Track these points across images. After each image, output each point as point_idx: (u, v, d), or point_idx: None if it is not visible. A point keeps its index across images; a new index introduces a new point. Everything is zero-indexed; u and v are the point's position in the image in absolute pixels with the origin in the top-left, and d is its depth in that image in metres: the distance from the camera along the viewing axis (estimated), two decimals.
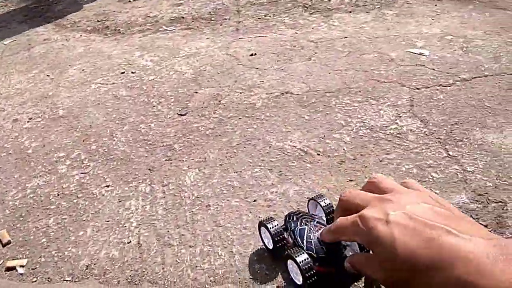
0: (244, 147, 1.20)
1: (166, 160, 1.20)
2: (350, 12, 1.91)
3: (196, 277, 0.86)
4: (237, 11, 2.08)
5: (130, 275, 0.89)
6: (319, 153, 1.13)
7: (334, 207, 0.72)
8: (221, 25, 1.98)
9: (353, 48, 1.60)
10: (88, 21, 2.18)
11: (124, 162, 1.22)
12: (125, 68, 1.69)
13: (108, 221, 1.03)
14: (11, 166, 1.27)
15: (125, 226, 1.01)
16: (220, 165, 1.15)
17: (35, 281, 0.92)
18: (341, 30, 1.75)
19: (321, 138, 1.18)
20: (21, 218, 1.08)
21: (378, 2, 1.96)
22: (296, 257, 0.69)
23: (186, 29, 1.98)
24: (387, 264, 0.43)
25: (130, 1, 2.33)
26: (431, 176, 1.00)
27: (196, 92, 1.49)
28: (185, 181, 1.12)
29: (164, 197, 1.08)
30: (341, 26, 1.79)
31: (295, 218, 0.79)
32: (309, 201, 0.87)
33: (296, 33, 1.78)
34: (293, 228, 0.77)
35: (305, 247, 0.71)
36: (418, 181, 0.99)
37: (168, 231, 0.98)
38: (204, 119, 1.35)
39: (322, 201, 0.81)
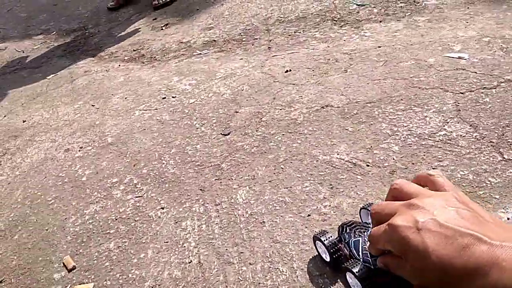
0: (291, 162, 1.21)
1: (215, 179, 1.23)
2: (381, 21, 1.91)
3: None
4: (267, 30, 2.13)
5: None
6: (368, 164, 1.13)
7: None
8: (252, 45, 2.02)
9: (388, 57, 1.60)
10: (125, 51, 2.27)
11: (175, 184, 1.25)
12: (165, 94, 1.74)
13: (167, 242, 1.06)
14: (67, 194, 1.32)
15: (184, 246, 1.04)
16: (269, 181, 1.17)
17: None
18: (374, 40, 1.75)
19: (368, 149, 1.18)
20: (82, 244, 1.13)
21: (408, 10, 1.96)
22: (353, 268, 0.70)
23: (219, 52, 2.04)
24: (419, 270, 0.44)
25: (162, 29, 2.42)
26: (488, 181, 0.98)
27: (237, 112, 1.52)
28: (237, 199, 1.14)
29: (218, 216, 1.10)
30: (374, 36, 1.79)
31: (348, 230, 0.80)
32: (360, 210, 0.87)
33: (328, 46, 1.80)
34: (347, 240, 0.78)
35: (361, 259, 0.72)
36: (476, 187, 0.97)
37: (227, 249, 1.00)
38: (247, 137, 1.37)
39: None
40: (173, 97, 1.71)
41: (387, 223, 0.50)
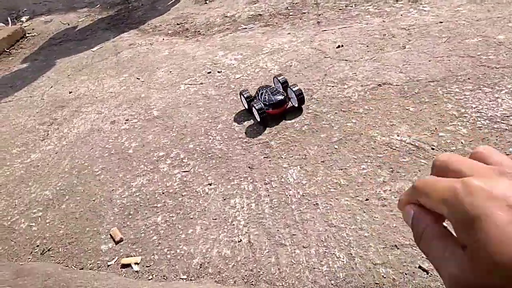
0: (346, 142, 1.14)
1: (264, 157, 1.18)
2: None
3: (315, 279, 0.82)
4: (316, 3, 2.02)
5: (245, 275, 0.87)
6: (433, 147, 1.04)
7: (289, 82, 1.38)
8: (300, 19, 1.93)
9: (452, 33, 1.47)
10: (168, 24, 2.23)
11: (223, 161, 1.21)
12: (210, 68, 1.69)
13: (215, 219, 1.03)
14: (114, 165, 1.31)
15: (233, 225, 1.00)
16: (322, 162, 1.10)
17: (151, 278, 0.93)
18: (435, 15, 1.62)
19: (432, 131, 1.08)
20: (130, 216, 1.11)
21: None
22: (254, 104, 1.26)
23: (265, 26, 1.96)
24: (484, 264, 0.24)
25: (206, 3, 2.36)
26: None
27: None
28: (288, 179, 1.08)
29: (268, 195, 1.05)
30: (434, 10, 1.66)
31: (261, 89, 1.32)
32: (273, 78, 1.38)
33: (383, 21, 1.68)
34: (259, 94, 1.31)
35: (261, 101, 1.27)
36: None
37: (278, 230, 0.95)
38: (297, 115, 1.30)
39: (280, 77, 1.35)
40: (218, 72, 1.65)
41: (461, 180, 0.29)
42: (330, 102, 1.31)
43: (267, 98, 1.27)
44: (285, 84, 1.32)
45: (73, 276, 0.93)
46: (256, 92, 1.33)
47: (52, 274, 0.94)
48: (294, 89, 1.25)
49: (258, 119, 1.27)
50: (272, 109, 1.25)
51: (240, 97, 1.36)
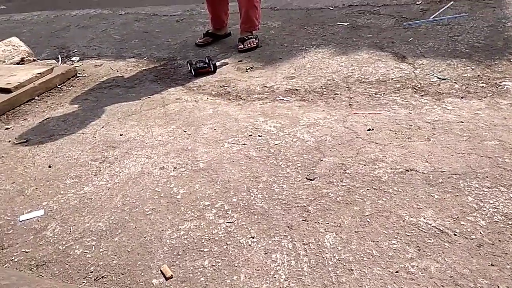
0: (377, 217, 1.29)
1: (302, 220, 1.32)
2: (462, 97, 2.00)
3: None
4: (347, 87, 2.26)
5: None
6: (455, 233, 1.18)
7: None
8: (333, 99, 2.15)
9: (472, 133, 1.67)
10: (212, 86, 2.47)
11: (264, 217, 1.35)
12: (251, 131, 1.88)
13: (258, 270, 1.15)
14: (163, 208, 1.45)
15: (275, 277, 1.12)
16: (355, 232, 1.24)
17: None
18: (456, 115, 1.84)
19: (455, 219, 1.24)
20: (178, 256, 1.23)
21: (489, 91, 2.04)
22: (191, 65, 2.56)
23: (301, 100, 2.18)
24: None
25: (247, 71, 2.62)
26: None
27: (321, 160, 1.62)
28: (324, 242, 1.22)
29: (307, 255, 1.18)
30: (455, 110, 1.88)
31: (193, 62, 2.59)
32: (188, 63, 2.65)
33: (410, 113, 1.90)
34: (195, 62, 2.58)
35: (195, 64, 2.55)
36: None
37: None
38: (332, 186, 1.46)
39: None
40: (259, 135, 1.84)
41: None
42: (363, 179, 1.47)
43: (197, 63, 2.57)
44: (209, 59, 2.59)
45: None
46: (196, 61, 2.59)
47: None
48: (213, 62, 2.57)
49: (193, 73, 2.57)
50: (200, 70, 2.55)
51: (188, 65, 2.61)
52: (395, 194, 1.38)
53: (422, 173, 1.46)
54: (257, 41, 2.91)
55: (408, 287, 1.04)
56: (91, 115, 2.22)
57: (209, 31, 3.11)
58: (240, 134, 1.88)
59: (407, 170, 1.49)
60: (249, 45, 2.88)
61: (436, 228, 1.21)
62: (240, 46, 2.89)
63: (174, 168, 1.67)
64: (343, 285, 1.07)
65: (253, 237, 1.27)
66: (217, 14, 3.00)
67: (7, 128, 2.22)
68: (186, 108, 2.19)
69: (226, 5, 3.00)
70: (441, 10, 3.01)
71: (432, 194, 1.35)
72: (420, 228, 1.22)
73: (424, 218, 1.25)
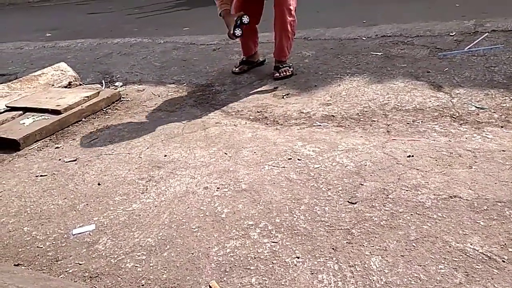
0: (423, 242, 1.29)
1: (347, 242, 1.34)
2: (502, 127, 2.00)
3: None
4: (384, 115, 2.29)
5: None
6: (504, 260, 1.18)
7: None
8: (370, 125, 2.19)
9: None
10: (249, 111, 2.55)
11: (308, 238, 1.38)
12: (291, 155, 1.93)
13: None
14: (209, 226, 1.50)
15: None
16: (401, 256, 1.25)
17: None
18: (498, 143, 1.83)
19: (502, 246, 1.23)
20: (226, 273, 1.27)
21: None
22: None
23: (338, 126, 2.22)
24: None
25: (283, 98, 2.70)
26: None
27: (362, 184, 1.65)
28: (371, 265, 1.23)
29: (353, 277, 1.20)
30: (496, 139, 1.88)
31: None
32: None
33: (449, 140, 1.91)
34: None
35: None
36: None
37: None
38: (375, 210, 1.48)
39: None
40: (298, 159, 1.89)
41: None
42: (406, 204, 1.48)
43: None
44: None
45: None
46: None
47: None
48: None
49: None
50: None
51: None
52: (439, 220, 1.38)
53: (466, 200, 1.46)
54: (291, 69, 3.00)
55: None
56: (136, 137, 2.33)
57: (244, 59, 3.23)
58: (280, 157, 1.93)
59: (450, 196, 1.49)
60: (284, 74, 2.97)
61: (484, 254, 1.21)
62: (276, 75, 2.99)
63: (217, 188, 1.73)
64: None
65: (298, 257, 1.29)
66: (245, 42, 3.13)
67: (57, 147, 2.35)
68: (226, 131, 2.27)
69: (254, 35, 3.12)
70: (476, 41, 3.04)
71: (478, 221, 1.35)
72: (467, 254, 1.22)
73: (471, 244, 1.25)
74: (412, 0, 4.89)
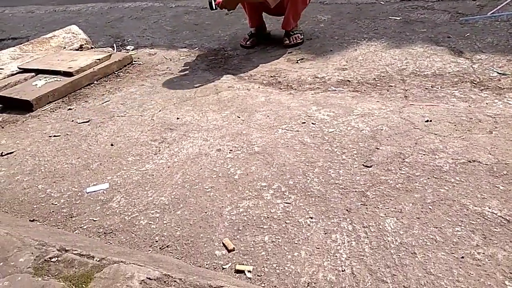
0: (439, 205, 1.27)
1: (361, 204, 1.32)
2: None
3: None
4: (402, 80, 2.23)
5: None
6: None
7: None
8: (387, 90, 2.13)
9: None
10: (262, 75, 2.50)
11: (321, 200, 1.36)
12: (305, 119, 1.90)
13: (318, 248, 1.16)
14: (222, 186, 1.50)
15: (336, 256, 1.13)
16: (417, 218, 1.23)
17: (264, 286, 1.07)
18: None
19: None
20: (239, 231, 1.27)
21: None
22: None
23: (354, 91, 2.17)
24: None
25: (297, 62, 2.63)
26: None
27: (378, 148, 1.61)
28: (385, 226, 1.21)
29: (367, 237, 1.19)
30: None
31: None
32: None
33: (469, 106, 1.85)
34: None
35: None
36: None
37: (379, 268, 1.07)
38: (391, 173, 1.46)
39: None
40: (312, 123, 1.85)
41: None
42: (423, 168, 1.45)
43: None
44: None
45: (198, 270, 1.08)
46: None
47: (181, 265, 1.10)
48: None
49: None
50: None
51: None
52: (457, 183, 1.35)
53: (486, 164, 1.43)
54: (302, 36, 2.90)
55: (475, 272, 1.02)
56: (148, 99, 2.31)
57: (252, 32, 3.09)
58: (294, 121, 1.90)
59: (469, 161, 1.46)
60: (294, 41, 2.89)
61: (502, 217, 1.18)
62: (286, 42, 2.90)
63: (230, 150, 1.71)
64: (406, 267, 1.06)
65: (311, 218, 1.29)
66: (254, 14, 2.96)
67: (69, 109, 2.35)
68: (239, 95, 2.24)
69: (261, 5, 2.96)
70: (499, 6, 2.90)
71: (497, 185, 1.32)
72: (485, 217, 1.19)
73: (489, 208, 1.23)
74: None
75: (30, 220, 1.46)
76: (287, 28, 2.88)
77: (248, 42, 3.02)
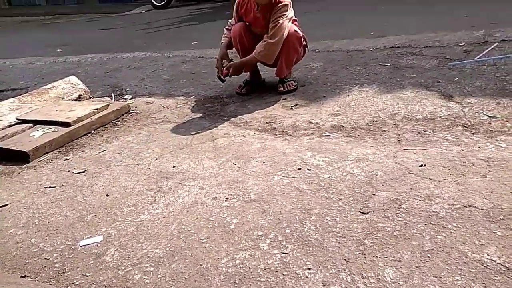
0: (438, 253, 1.25)
1: (359, 253, 1.30)
2: None
3: None
4: (395, 124, 2.26)
5: None
6: None
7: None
8: (381, 135, 2.16)
9: None
10: (258, 122, 2.54)
11: (319, 249, 1.34)
12: (300, 165, 1.91)
13: None
14: (218, 237, 1.48)
15: None
16: (416, 267, 1.21)
17: None
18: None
19: None
20: (235, 284, 1.24)
21: None
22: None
23: (348, 137, 2.20)
24: None
25: (292, 108, 2.69)
26: None
27: (373, 194, 1.61)
28: (385, 277, 1.19)
29: None
30: (510, 148, 1.83)
31: None
32: None
33: (462, 150, 1.87)
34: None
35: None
36: None
37: None
38: (388, 220, 1.45)
39: None
40: (308, 169, 1.86)
41: None
42: (419, 214, 1.45)
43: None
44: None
45: None
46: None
47: None
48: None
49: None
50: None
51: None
52: (455, 230, 1.35)
53: (481, 209, 1.43)
54: (296, 83, 2.98)
55: None
56: (145, 148, 2.33)
57: (247, 80, 3.18)
58: (289, 167, 1.91)
59: (465, 206, 1.46)
60: (288, 87, 2.96)
61: (502, 265, 1.17)
62: (280, 89, 2.97)
63: (226, 198, 1.71)
64: None
65: (309, 269, 1.26)
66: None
67: (66, 159, 2.36)
68: (235, 142, 2.26)
69: None
70: (486, 51, 3.01)
71: (494, 231, 1.31)
72: (485, 265, 1.18)
73: (488, 255, 1.21)
74: (419, 12, 4.90)
75: (21, 276, 1.42)
76: (281, 76, 2.97)
77: (243, 90, 3.09)
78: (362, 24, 4.61)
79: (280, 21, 2.66)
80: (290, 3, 2.76)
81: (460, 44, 3.23)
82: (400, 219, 1.44)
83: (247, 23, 2.91)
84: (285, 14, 2.69)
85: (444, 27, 3.75)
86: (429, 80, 2.72)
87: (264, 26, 2.78)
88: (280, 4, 2.68)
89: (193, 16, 7.87)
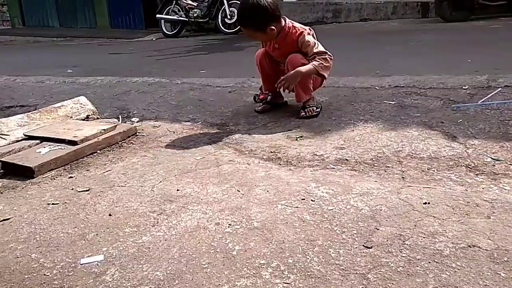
0: None
1: (362, 287, 1.29)
2: None
3: None
4: (399, 161, 2.29)
5: None
6: None
7: None
8: (385, 171, 2.18)
9: None
10: (263, 151, 2.56)
11: (321, 281, 1.33)
12: (304, 196, 1.92)
13: None
14: (219, 263, 1.47)
15: None
16: None
17: None
18: None
19: None
20: None
21: None
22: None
23: (352, 170, 2.21)
24: None
25: (297, 140, 2.72)
26: None
27: (377, 229, 1.61)
28: None
29: None
30: None
31: None
32: None
33: (466, 190, 1.88)
34: None
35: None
36: None
37: None
38: (391, 255, 1.44)
39: None
40: (312, 200, 1.87)
41: None
42: (423, 251, 1.44)
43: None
44: None
45: None
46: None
47: None
48: None
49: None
50: None
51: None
52: (458, 269, 1.34)
53: (486, 250, 1.42)
54: (317, 109, 3.07)
55: None
56: (149, 170, 2.34)
57: (267, 99, 3.29)
58: (293, 197, 1.91)
59: (469, 245, 1.45)
60: (309, 113, 3.04)
61: None
62: (302, 114, 3.05)
63: (229, 225, 1.70)
64: None
65: None
66: (270, 79, 3.19)
67: (70, 177, 2.37)
68: (239, 169, 2.27)
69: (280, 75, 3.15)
70: (489, 95, 3.08)
71: (498, 272, 1.30)
72: None
73: None
74: (424, 54, 5.04)
75: None
76: (300, 101, 3.11)
77: (259, 108, 3.23)
78: (368, 63, 4.73)
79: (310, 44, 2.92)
80: (305, 29, 2.95)
81: (464, 87, 3.30)
82: (404, 255, 1.43)
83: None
84: (308, 42, 2.92)
85: (448, 70, 3.84)
86: (433, 120, 2.76)
87: (282, 55, 3.05)
88: (300, 38, 2.93)
89: (203, 46, 8.07)
